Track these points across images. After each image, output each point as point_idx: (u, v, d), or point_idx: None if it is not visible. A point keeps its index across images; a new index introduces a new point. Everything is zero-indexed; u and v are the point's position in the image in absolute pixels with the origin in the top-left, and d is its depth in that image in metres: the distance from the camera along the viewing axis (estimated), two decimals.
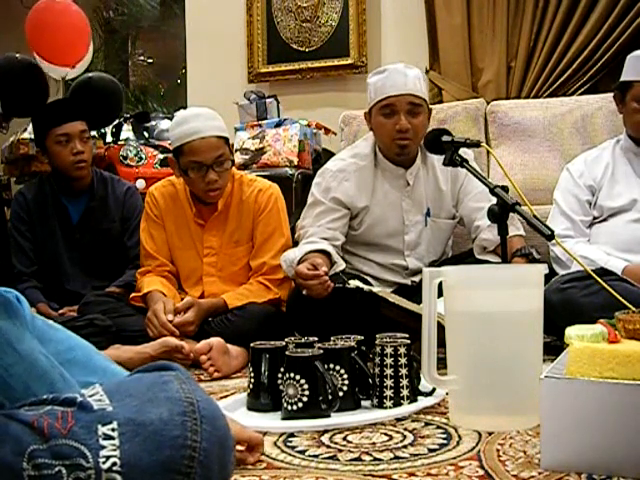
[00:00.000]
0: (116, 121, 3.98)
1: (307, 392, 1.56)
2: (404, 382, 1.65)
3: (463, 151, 2.16)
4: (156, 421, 0.89)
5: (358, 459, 1.34)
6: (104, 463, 0.86)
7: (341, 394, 1.62)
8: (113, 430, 0.88)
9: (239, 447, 1.66)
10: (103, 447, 0.87)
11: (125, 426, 0.89)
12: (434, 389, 1.69)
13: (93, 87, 2.98)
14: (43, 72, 3.10)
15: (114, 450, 0.87)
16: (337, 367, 1.64)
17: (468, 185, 2.50)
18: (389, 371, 1.65)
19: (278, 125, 3.62)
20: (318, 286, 2.16)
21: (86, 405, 0.91)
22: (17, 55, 3.08)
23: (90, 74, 3.08)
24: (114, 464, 0.86)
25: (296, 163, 3.48)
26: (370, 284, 2.37)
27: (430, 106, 2.53)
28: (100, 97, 2.97)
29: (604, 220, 2.47)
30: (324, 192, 2.51)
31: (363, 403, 1.69)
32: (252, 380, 1.70)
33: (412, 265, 2.52)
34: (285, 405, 1.59)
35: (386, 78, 2.41)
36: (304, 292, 2.20)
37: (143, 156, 3.70)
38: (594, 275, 1.81)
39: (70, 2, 3.62)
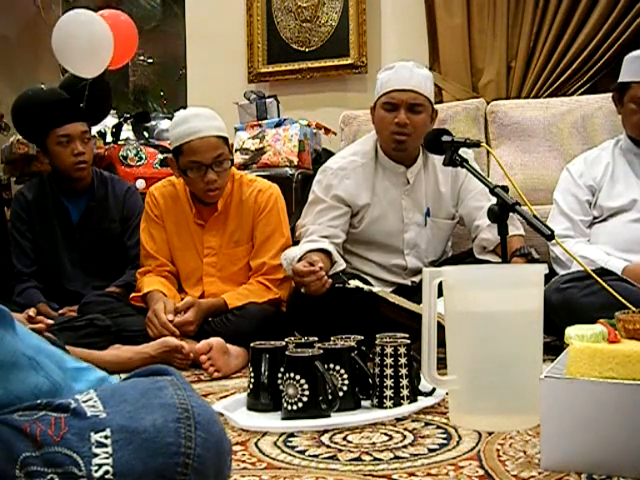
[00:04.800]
0: (116, 121, 3.99)
1: (307, 392, 1.56)
2: (404, 382, 1.65)
3: (463, 151, 2.16)
4: (150, 428, 0.89)
5: (358, 459, 1.34)
6: (97, 472, 0.85)
7: (341, 394, 1.62)
8: (106, 437, 0.87)
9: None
10: (96, 455, 0.86)
11: (118, 433, 0.88)
12: (434, 389, 1.69)
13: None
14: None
15: (107, 458, 0.86)
16: (337, 367, 1.64)
17: (468, 185, 2.51)
18: (389, 371, 1.65)
19: (278, 125, 3.62)
20: (315, 282, 2.16)
21: (79, 411, 0.90)
22: (43, 86, 3.12)
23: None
24: (107, 472, 0.86)
25: (296, 163, 3.48)
26: (370, 284, 2.37)
27: (436, 109, 2.53)
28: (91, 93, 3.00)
29: (604, 220, 2.47)
30: (325, 190, 2.51)
31: (363, 403, 1.69)
32: (252, 380, 1.70)
33: (411, 264, 2.52)
34: (285, 405, 1.59)
35: (393, 73, 2.44)
36: (302, 290, 2.20)
37: (143, 156, 3.70)
38: (594, 275, 1.81)
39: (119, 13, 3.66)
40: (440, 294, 1.54)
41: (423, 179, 2.54)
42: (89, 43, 3.12)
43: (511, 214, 1.94)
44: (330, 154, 3.38)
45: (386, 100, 2.43)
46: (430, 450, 1.38)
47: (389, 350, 1.65)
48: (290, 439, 1.48)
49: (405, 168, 2.52)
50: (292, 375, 1.57)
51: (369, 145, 2.57)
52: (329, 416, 1.57)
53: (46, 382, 0.97)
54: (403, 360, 1.65)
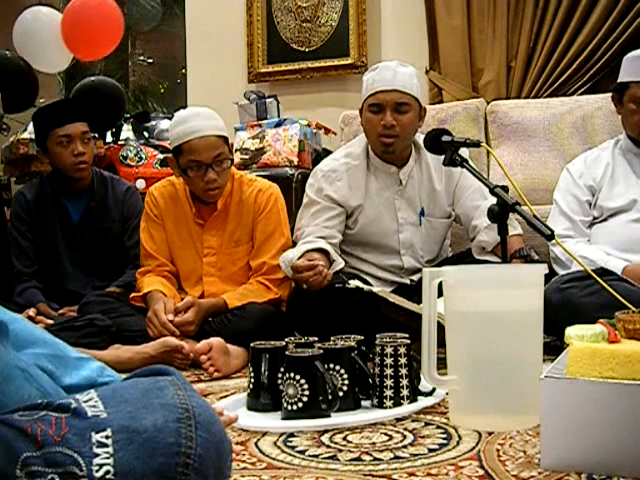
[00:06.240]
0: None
1: (307, 392, 1.56)
2: (404, 382, 1.65)
3: (461, 150, 2.16)
4: (150, 428, 0.89)
5: (358, 459, 1.34)
6: (97, 471, 0.85)
7: (341, 394, 1.62)
8: (107, 437, 0.87)
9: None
10: (97, 455, 0.86)
11: (119, 433, 0.88)
12: (434, 389, 1.69)
13: (97, 91, 2.98)
14: (32, 70, 3.11)
15: (108, 458, 0.86)
16: (337, 367, 1.64)
17: (464, 183, 2.51)
18: (389, 371, 1.65)
19: (278, 125, 3.62)
20: (316, 276, 2.16)
21: (80, 411, 0.90)
22: (7, 53, 3.09)
23: (92, 78, 3.08)
24: (107, 472, 0.85)
25: (296, 163, 3.48)
26: (370, 284, 2.37)
27: (427, 106, 2.53)
28: (104, 101, 2.97)
29: (604, 220, 2.47)
30: (317, 192, 2.52)
31: (363, 403, 1.69)
32: (252, 380, 1.70)
33: (408, 264, 2.52)
34: (285, 405, 1.59)
35: (376, 74, 2.43)
36: (304, 286, 2.20)
37: (143, 156, 3.70)
38: (594, 275, 1.81)
39: None
40: (440, 294, 1.54)
41: (416, 179, 2.53)
42: (47, 40, 3.11)
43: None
44: (330, 154, 3.38)
45: (372, 102, 2.42)
46: (430, 450, 1.38)
47: (389, 350, 1.65)
48: (290, 439, 1.48)
49: (397, 169, 2.51)
50: (292, 375, 1.57)
51: (360, 147, 2.57)
52: (329, 416, 1.57)
53: (38, 393, 0.98)
54: (403, 360, 1.65)
